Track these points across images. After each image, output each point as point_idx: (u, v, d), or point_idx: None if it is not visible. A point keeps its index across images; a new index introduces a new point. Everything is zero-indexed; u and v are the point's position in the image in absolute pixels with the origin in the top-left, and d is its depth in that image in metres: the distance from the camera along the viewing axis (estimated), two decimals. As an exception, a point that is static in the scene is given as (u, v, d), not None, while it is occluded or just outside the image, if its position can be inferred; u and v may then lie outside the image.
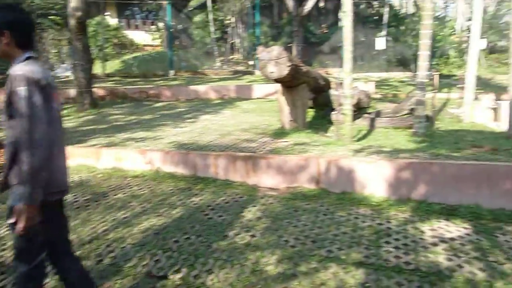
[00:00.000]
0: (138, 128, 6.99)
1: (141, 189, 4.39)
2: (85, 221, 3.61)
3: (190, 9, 23.12)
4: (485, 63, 16.91)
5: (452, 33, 16.84)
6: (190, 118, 7.97)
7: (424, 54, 5.79)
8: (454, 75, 14.49)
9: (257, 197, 4.14)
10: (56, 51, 20.83)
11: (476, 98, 8.31)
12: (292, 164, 4.33)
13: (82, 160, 5.31)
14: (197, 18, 19.78)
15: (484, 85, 12.60)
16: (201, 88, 11.13)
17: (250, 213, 3.70)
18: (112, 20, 21.30)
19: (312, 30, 19.17)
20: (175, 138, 6.02)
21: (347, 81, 5.38)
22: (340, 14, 17.70)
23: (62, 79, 14.79)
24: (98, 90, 10.21)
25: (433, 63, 15.34)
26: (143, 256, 2.99)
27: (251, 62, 17.49)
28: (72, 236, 3.27)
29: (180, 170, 4.78)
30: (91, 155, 5.28)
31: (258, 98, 10.87)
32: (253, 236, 3.26)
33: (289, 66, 4.95)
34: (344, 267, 2.78)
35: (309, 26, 18.98)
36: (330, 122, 7.19)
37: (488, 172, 3.81)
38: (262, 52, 4.99)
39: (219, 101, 10.51)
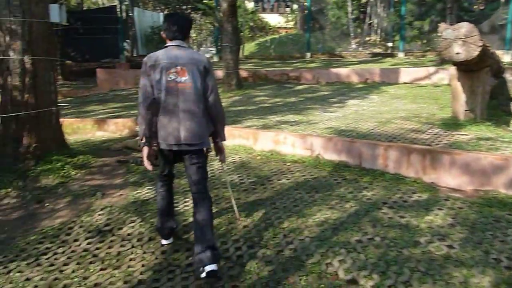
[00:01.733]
0: (287, 111, 6.86)
1: (303, 176, 4.19)
2: (256, 205, 3.53)
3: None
4: None
5: None
6: (336, 103, 7.57)
7: None
8: None
9: (440, 198, 3.57)
10: (196, 34, 22.39)
11: None
12: (485, 163, 3.63)
13: (240, 140, 5.36)
14: (334, -2, 19.00)
15: None
16: (342, 71, 10.59)
17: (438, 218, 3.18)
18: (249, 3, 21.89)
19: (466, 7, 16.83)
20: (330, 123, 5.69)
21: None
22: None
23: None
24: (242, 71, 10.47)
25: None
26: (325, 254, 2.74)
27: (389, 44, 16.19)
28: (247, 220, 3.21)
29: (342, 159, 4.45)
30: (248, 137, 5.30)
31: (405, 83, 9.89)
32: (450, 247, 2.76)
33: (480, 46, 4.16)
34: None
35: (463, 2, 16.69)
36: (508, 114, 6.06)
37: None
38: (446, 30, 4.28)
39: (362, 85, 9.86)
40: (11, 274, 2.74)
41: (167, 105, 2.55)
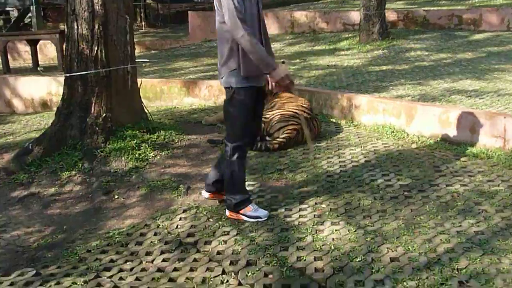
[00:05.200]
0: (459, 74, 6.18)
1: (490, 180, 3.60)
2: (411, 224, 3.08)
3: None
4: None
5: None
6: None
7: None
8: None
9: None
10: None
11: None
12: None
13: (385, 117, 4.90)
14: None
15: None
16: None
17: None
18: None
19: None
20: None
21: None
22: None
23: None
24: (388, 13, 9.76)
25: None
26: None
27: None
28: (397, 249, 2.80)
29: (560, 158, 3.71)
30: (398, 113, 4.81)
31: None
32: None
33: None
34: None
35: None
36: None
37: None
38: None
39: None
40: (64, 294, 2.77)
41: None
